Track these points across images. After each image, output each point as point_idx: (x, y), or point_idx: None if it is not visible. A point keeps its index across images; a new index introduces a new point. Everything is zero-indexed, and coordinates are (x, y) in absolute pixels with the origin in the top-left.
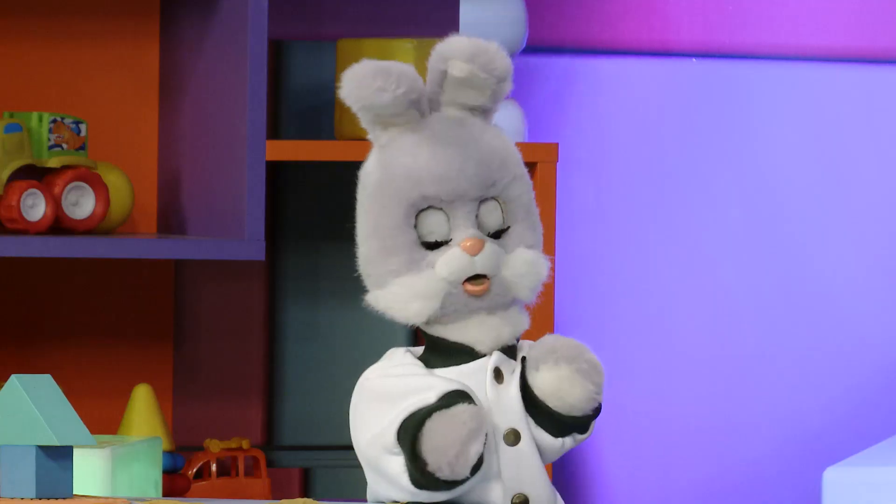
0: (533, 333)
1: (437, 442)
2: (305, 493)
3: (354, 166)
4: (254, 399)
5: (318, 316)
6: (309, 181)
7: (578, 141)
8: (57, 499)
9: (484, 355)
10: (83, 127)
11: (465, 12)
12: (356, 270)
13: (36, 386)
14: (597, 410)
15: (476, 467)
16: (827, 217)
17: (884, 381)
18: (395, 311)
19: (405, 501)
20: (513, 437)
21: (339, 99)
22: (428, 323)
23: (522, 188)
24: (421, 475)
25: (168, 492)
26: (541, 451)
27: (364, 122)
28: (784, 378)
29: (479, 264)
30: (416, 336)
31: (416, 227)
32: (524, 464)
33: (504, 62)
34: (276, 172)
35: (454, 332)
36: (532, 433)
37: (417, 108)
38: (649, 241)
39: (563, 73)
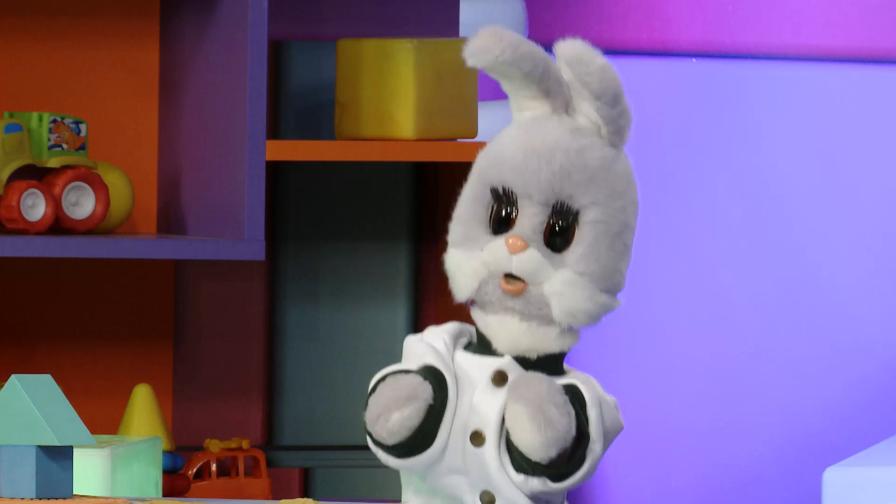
0: None
1: (372, 402)
2: (305, 493)
3: (354, 166)
4: (254, 399)
5: (318, 316)
6: (309, 181)
7: None
8: (57, 499)
9: (500, 354)
10: (83, 127)
11: (465, 12)
12: (356, 270)
13: (36, 386)
14: (570, 467)
15: (416, 442)
16: (827, 217)
17: (884, 381)
18: (450, 277)
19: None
20: (476, 439)
21: (339, 99)
22: (473, 303)
23: (604, 217)
24: (369, 434)
25: (168, 492)
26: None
27: (507, 92)
28: (784, 378)
29: (515, 265)
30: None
31: (487, 206)
32: (488, 467)
33: (604, 81)
34: (276, 172)
35: (481, 322)
36: (502, 443)
37: (552, 101)
38: (649, 242)
39: None
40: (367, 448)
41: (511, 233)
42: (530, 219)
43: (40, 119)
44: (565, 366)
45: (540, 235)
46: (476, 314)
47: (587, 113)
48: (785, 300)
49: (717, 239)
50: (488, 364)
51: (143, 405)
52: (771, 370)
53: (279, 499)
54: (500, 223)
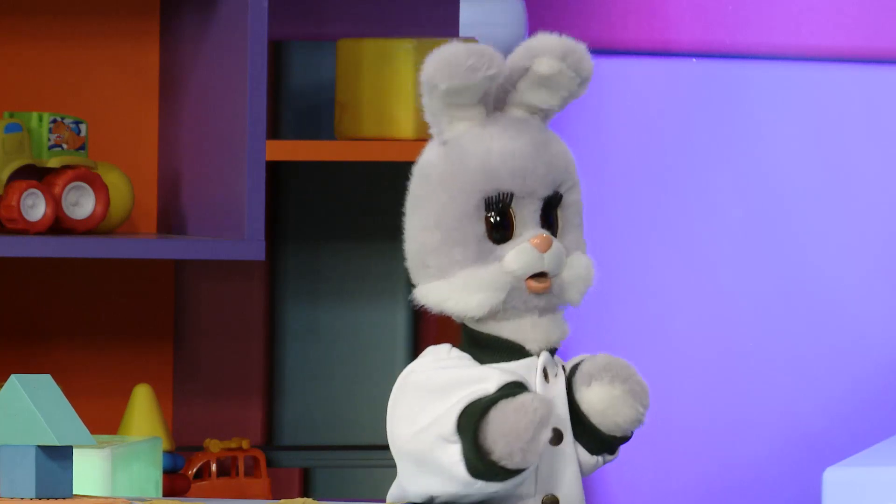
0: None
1: (507, 429)
2: (305, 493)
3: (354, 166)
4: (254, 399)
5: (318, 316)
6: (309, 181)
7: (578, 141)
8: (57, 499)
9: (532, 355)
10: (83, 127)
11: (465, 12)
12: (356, 270)
13: (36, 386)
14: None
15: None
16: (827, 217)
17: (884, 381)
18: (453, 302)
19: (448, 495)
20: (555, 437)
21: (339, 99)
22: (483, 319)
23: (578, 195)
24: (482, 463)
25: (168, 492)
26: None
27: (431, 113)
28: (784, 378)
29: (547, 261)
30: (417, 337)
31: (484, 219)
32: (562, 465)
33: (590, 64)
34: (276, 172)
35: (507, 330)
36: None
37: (486, 104)
38: (649, 242)
39: None
40: (366, 448)
41: (529, 233)
42: (533, 215)
43: (40, 119)
44: None
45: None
46: (493, 326)
47: (532, 102)
48: (785, 300)
49: (717, 239)
50: (526, 366)
51: (143, 405)
52: (771, 370)
53: (279, 499)
54: (499, 229)
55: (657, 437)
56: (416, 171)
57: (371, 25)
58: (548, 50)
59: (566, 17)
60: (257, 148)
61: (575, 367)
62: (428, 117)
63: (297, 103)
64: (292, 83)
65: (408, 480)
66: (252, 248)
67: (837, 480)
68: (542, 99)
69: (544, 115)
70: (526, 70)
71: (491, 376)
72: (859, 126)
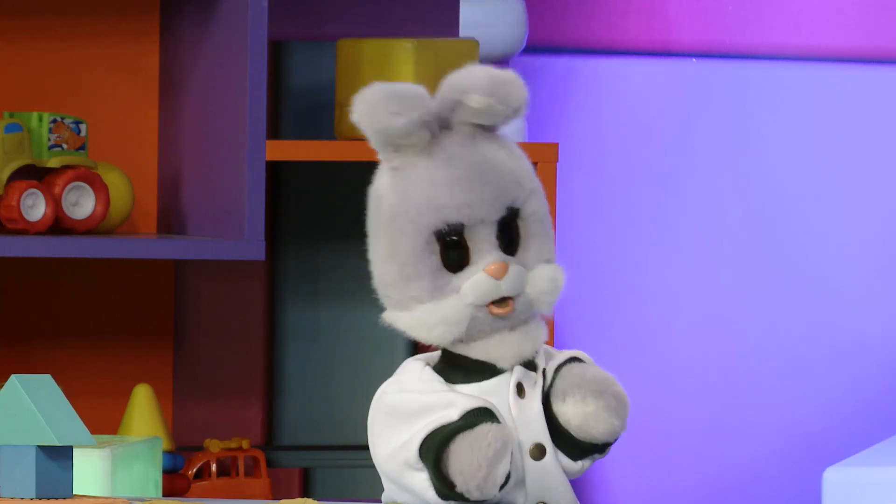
0: None
1: (464, 464)
2: (305, 493)
3: (354, 166)
4: (254, 399)
5: (318, 316)
6: (309, 181)
7: (578, 141)
8: (57, 499)
9: (505, 371)
10: (83, 127)
11: (465, 12)
12: (356, 270)
13: (36, 386)
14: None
15: (504, 484)
16: (827, 217)
17: (884, 381)
18: (417, 332)
19: None
20: (538, 452)
21: (339, 99)
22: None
23: (538, 202)
24: (450, 491)
25: (168, 492)
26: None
27: (375, 144)
28: (784, 378)
29: (505, 287)
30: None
31: (437, 252)
32: (549, 477)
33: (521, 93)
34: (276, 172)
35: (476, 350)
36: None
37: (429, 129)
38: (649, 242)
39: (563, 73)
40: (366, 448)
41: (485, 260)
42: (487, 239)
43: (40, 119)
44: None
45: (500, 249)
46: (462, 347)
47: (475, 122)
48: (785, 300)
49: (717, 239)
50: (500, 383)
51: (143, 405)
52: (771, 370)
53: (279, 499)
54: (454, 258)
55: (657, 437)
56: (372, 195)
57: (371, 25)
58: (475, 87)
59: (566, 17)
60: (257, 148)
61: (554, 374)
62: (374, 145)
63: (297, 103)
64: (292, 83)
65: (390, 492)
66: (252, 248)
67: (837, 480)
68: (482, 121)
69: (492, 127)
70: (458, 103)
71: (456, 402)
72: (859, 126)
